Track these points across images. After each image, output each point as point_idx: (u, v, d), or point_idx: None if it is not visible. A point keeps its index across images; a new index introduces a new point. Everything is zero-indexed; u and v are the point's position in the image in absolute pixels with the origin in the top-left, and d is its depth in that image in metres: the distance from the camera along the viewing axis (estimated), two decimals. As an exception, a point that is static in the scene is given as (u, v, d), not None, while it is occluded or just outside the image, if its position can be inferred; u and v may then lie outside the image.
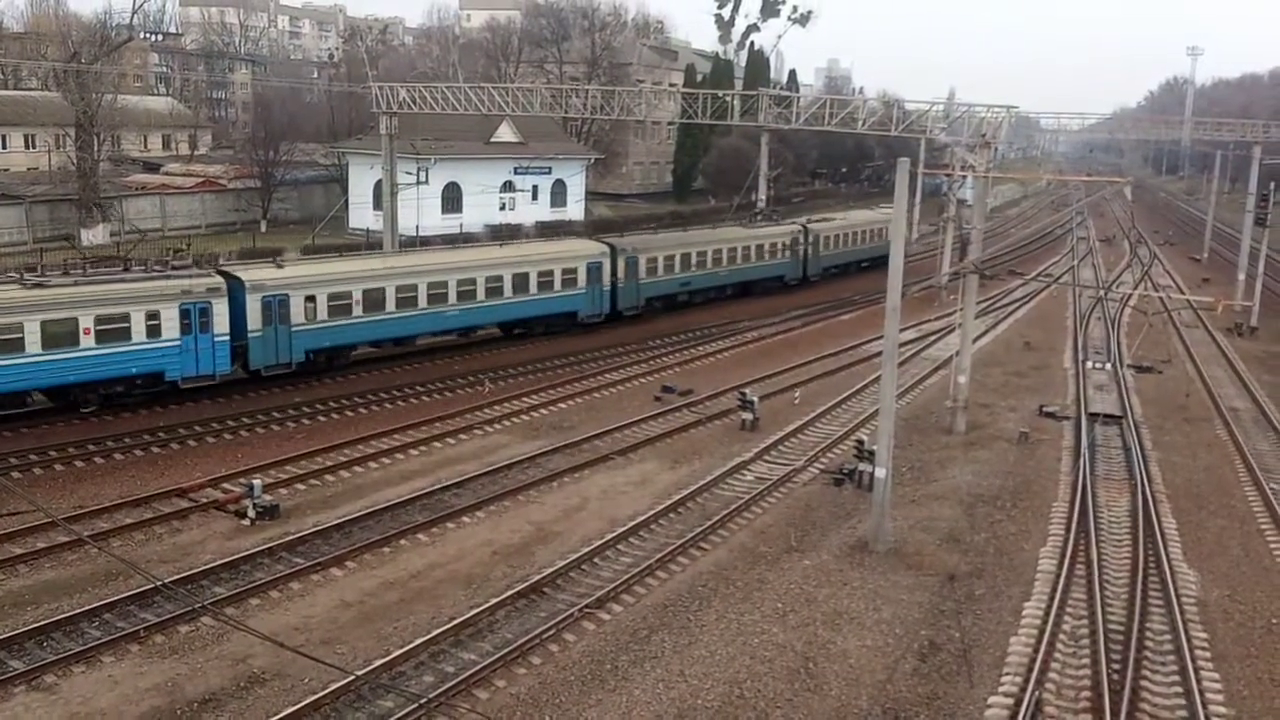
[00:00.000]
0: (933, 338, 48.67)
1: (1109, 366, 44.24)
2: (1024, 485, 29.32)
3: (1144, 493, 28.32)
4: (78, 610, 19.67)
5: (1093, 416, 36.00)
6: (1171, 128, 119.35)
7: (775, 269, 57.61)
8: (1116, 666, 19.43)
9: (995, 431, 34.30)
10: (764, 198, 69.31)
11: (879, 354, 29.54)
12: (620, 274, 46.45)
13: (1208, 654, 20.31)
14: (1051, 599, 21.87)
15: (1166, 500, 28.63)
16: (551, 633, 19.77)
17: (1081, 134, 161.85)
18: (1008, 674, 19.18)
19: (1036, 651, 19.74)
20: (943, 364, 42.61)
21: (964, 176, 40.89)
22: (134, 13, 71.07)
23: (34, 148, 75.18)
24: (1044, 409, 37.02)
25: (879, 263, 64.90)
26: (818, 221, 63.50)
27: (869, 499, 25.65)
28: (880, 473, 24.36)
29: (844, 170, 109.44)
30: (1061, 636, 20.62)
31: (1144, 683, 19.19)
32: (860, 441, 29.89)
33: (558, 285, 43.56)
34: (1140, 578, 23.05)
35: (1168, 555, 24.44)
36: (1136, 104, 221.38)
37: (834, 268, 64.17)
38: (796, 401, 37.03)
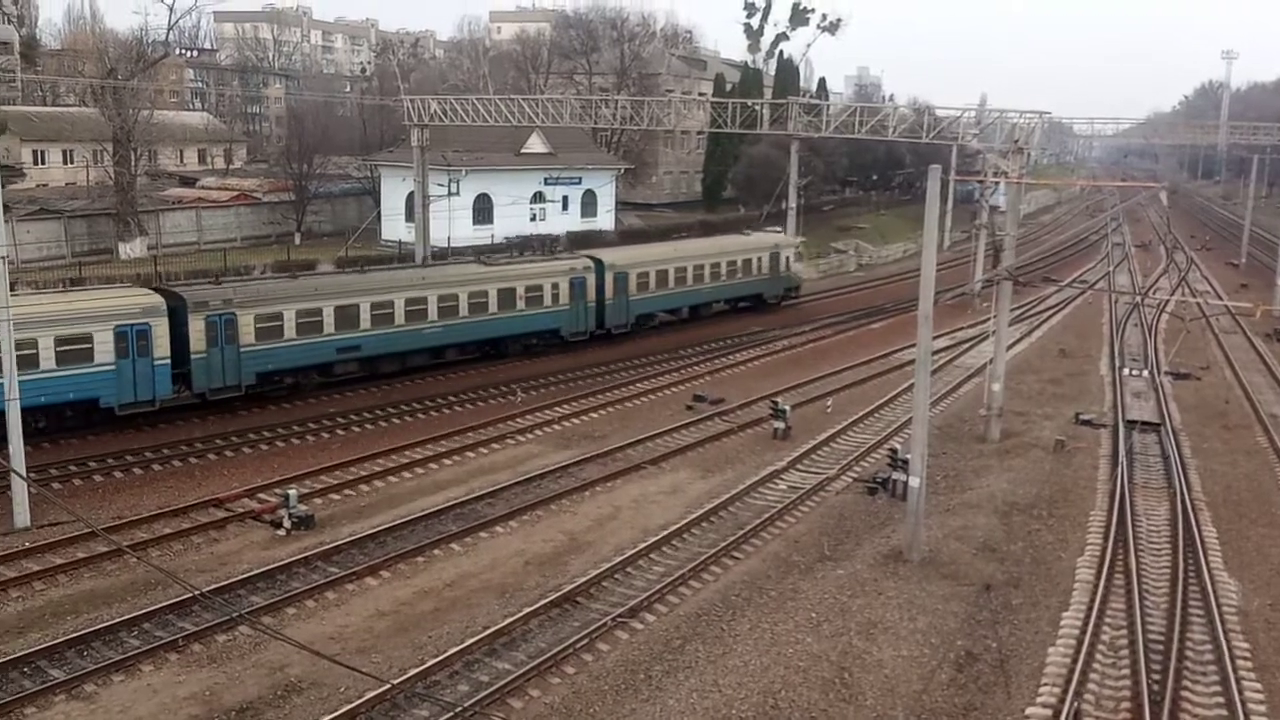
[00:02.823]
0: (966, 345, 48.34)
1: (1146, 373, 43.74)
2: (1061, 494, 29.04)
3: (1183, 501, 27.98)
4: (117, 620, 19.92)
5: (1130, 424, 35.62)
6: (1207, 132, 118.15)
7: (541, 320, 43.05)
8: (1156, 677, 19.19)
9: (1031, 440, 34.00)
10: (794, 206, 69.12)
11: (911, 362, 29.39)
12: (202, 340, 32.47)
13: (1249, 664, 20.02)
14: (1090, 609, 21.65)
15: (1206, 508, 28.27)
16: (585, 642, 19.80)
17: (1116, 139, 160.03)
18: (1046, 684, 19.00)
19: (1075, 662, 19.55)
20: (976, 372, 42.31)
21: (996, 183, 40.58)
22: (170, 29, 72.07)
23: (72, 163, 76.33)
24: (1080, 417, 36.65)
25: (756, 301, 55.46)
26: (629, 253, 49.82)
27: (903, 508, 25.50)
28: (914, 481, 24.21)
29: (874, 178, 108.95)
30: (1100, 647, 20.41)
31: (1184, 693, 18.95)
32: (894, 450, 29.79)
33: (48, 362, 28.82)
34: (1180, 587, 22.77)
35: (1208, 564, 24.12)
36: (1171, 108, 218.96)
37: (661, 314, 50.40)
38: (829, 410, 36.88)
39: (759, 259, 55.27)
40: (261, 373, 34.27)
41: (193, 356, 32.41)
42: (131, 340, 30.78)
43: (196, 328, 32.43)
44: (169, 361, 31.66)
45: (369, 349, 37.21)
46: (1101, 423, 36.27)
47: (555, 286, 43.44)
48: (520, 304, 42.02)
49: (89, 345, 30.07)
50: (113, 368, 30.40)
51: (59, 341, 29.32)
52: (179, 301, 32.50)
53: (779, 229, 60.02)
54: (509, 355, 42.74)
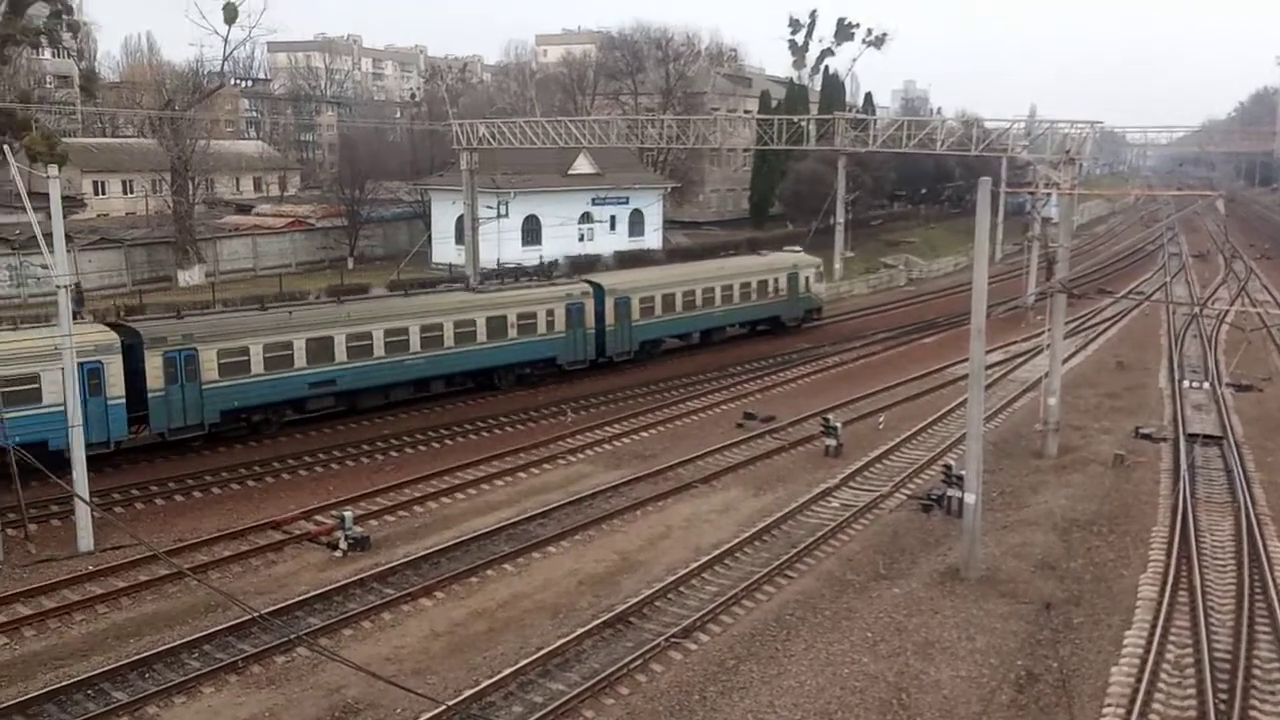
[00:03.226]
0: (1020, 359, 47.68)
1: (1207, 385, 42.86)
2: (1121, 509, 28.49)
3: (1248, 516, 27.30)
4: (178, 641, 20.19)
5: (1191, 437, 34.89)
6: (1263, 139, 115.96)
7: (534, 349, 41.01)
8: (1223, 697, 18.71)
9: (1089, 454, 33.44)
10: (841, 221, 68.82)
11: (964, 377, 29.08)
12: (160, 378, 31.16)
13: (1322, 684, 19.45)
14: (1154, 627, 21.20)
15: (1271, 523, 27.53)
16: (639, 663, 19.72)
17: (1170, 148, 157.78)
18: (1109, 705, 18.60)
19: (1139, 682, 19.12)
20: (1031, 386, 41.66)
21: (1048, 194, 40.06)
22: (224, 60, 73.28)
23: (131, 193, 78.15)
24: (1140, 430, 35.99)
25: (774, 324, 53.35)
26: (632, 276, 47.51)
27: (958, 525, 25.19)
28: (970, 498, 23.90)
29: (923, 192, 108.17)
30: (1165, 666, 19.95)
31: (1253, 713, 18.46)
32: (948, 466, 29.40)
33: None
34: (1246, 604, 22.22)
35: (1274, 580, 23.47)
36: (1226, 116, 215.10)
37: (669, 339, 48.60)
38: (881, 426, 36.54)
39: (775, 280, 52.91)
40: (226, 410, 32.73)
41: (150, 395, 30.90)
42: (83, 379, 28.48)
43: (154, 365, 31.03)
44: (124, 401, 30.11)
45: (345, 383, 35.46)
46: (1161, 436, 35.57)
47: (550, 313, 41.46)
48: (511, 332, 40.11)
49: (36, 385, 28.25)
50: (62, 409, 27.48)
51: (3, 382, 27.59)
52: (135, 338, 31.04)
53: (798, 248, 57.92)
54: (501, 387, 40.80)
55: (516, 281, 43.30)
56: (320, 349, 34.65)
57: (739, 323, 52.29)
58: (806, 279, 54.90)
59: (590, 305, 43.19)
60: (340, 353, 35.10)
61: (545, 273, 44.20)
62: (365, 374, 35.94)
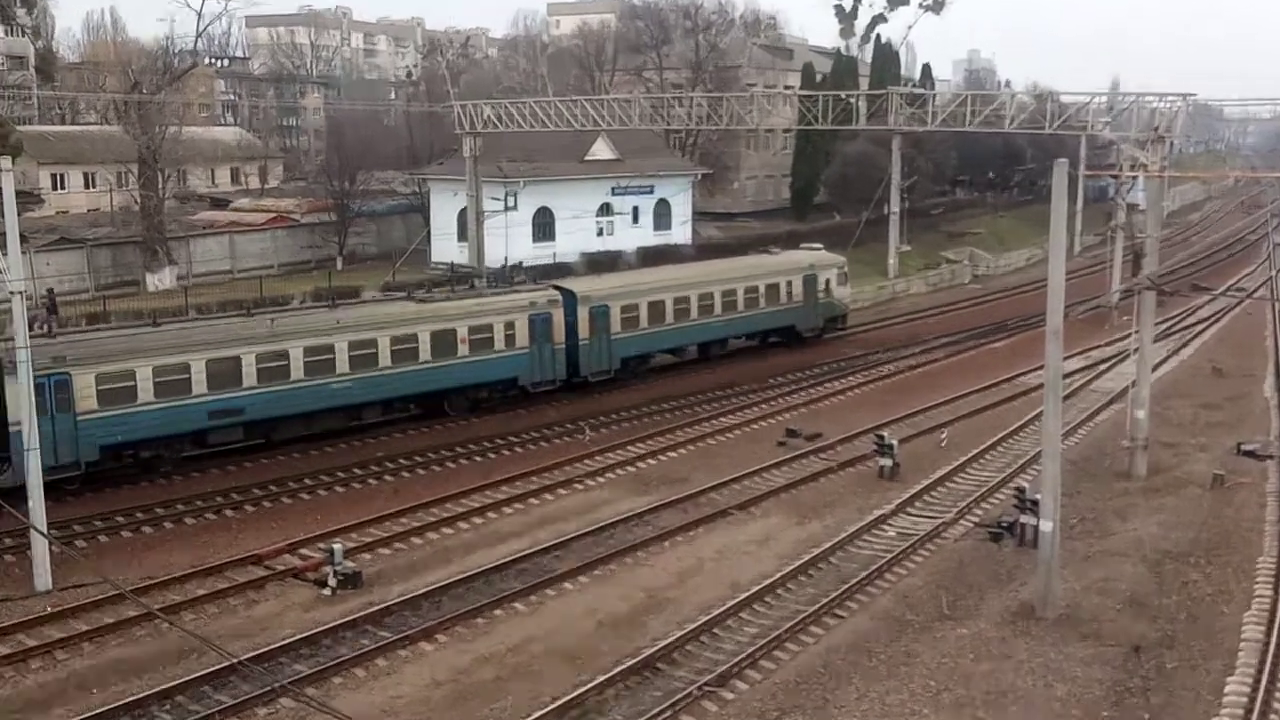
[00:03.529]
0: (1103, 366, 47.48)
1: (1319, 395, 42.48)
2: (1221, 538, 28.26)
3: (1369, 544, 27.02)
4: (147, 692, 20.25)
5: (1302, 455, 34.61)
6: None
7: (491, 369, 39.38)
8: (1343, 753, 18.50)
9: (1183, 475, 33.22)
10: (896, 210, 68.75)
11: (1038, 387, 28.98)
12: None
13: None
14: (1260, 672, 20.99)
15: (1397, 553, 27.26)
16: (668, 715, 19.68)
17: (1274, 123, 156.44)
18: (1209, 762, 18.45)
19: (1243, 735, 18.94)
20: (1116, 396, 41.41)
21: (1134, 177, 39.83)
22: (198, 37, 74.41)
23: (94, 187, 78.97)
24: (1243, 447, 35.70)
25: (788, 335, 51.72)
26: (611, 281, 46.08)
27: (1033, 557, 25.04)
28: (1046, 526, 23.78)
29: (990, 176, 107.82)
30: (1272, 717, 19.76)
31: (1378, 773, 18.23)
32: (1021, 489, 29.29)
33: None
34: (1368, 646, 21.96)
35: (1402, 619, 23.23)
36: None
37: (658, 354, 47.03)
38: (943, 444, 36.47)
39: (789, 283, 50.52)
40: (107, 445, 31.18)
41: (10, 429, 28.35)
42: None
43: (14, 393, 28.27)
44: None
45: (255, 411, 33.75)
46: (1268, 454, 35.27)
47: (509, 326, 39.50)
48: (462, 349, 38.26)
49: None
50: None
51: None
52: None
53: (818, 245, 56.17)
54: (450, 414, 39.30)
55: (471, 289, 41.57)
56: (223, 372, 33.06)
57: (743, 334, 50.61)
58: (827, 281, 52.73)
59: (559, 316, 41.28)
60: (249, 375, 33.55)
61: (506, 278, 42.58)
62: (279, 400, 34.28)
